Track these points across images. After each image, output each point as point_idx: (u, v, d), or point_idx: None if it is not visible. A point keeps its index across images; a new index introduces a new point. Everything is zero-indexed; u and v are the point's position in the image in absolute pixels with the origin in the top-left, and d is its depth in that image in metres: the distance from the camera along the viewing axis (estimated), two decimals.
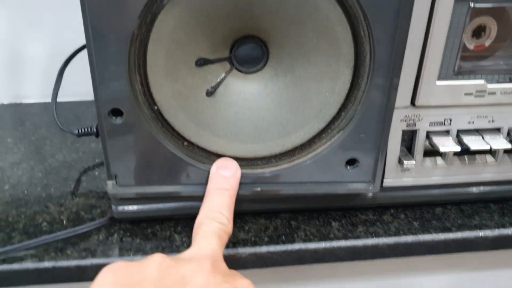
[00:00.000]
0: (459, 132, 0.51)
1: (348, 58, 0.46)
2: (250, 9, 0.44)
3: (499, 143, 0.50)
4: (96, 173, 0.62)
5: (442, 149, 0.49)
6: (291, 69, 0.47)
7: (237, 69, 0.48)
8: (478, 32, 0.48)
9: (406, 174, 0.52)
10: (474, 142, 0.50)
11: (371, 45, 0.44)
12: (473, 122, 0.51)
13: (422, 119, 0.50)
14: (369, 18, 0.43)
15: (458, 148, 0.50)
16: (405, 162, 0.51)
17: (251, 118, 0.49)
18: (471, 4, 0.45)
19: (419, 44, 0.45)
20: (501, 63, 0.50)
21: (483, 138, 0.51)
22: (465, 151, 0.51)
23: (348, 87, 0.47)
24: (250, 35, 0.47)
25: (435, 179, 0.53)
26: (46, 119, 0.74)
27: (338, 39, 0.45)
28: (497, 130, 0.52)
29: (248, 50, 0.47)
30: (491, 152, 0.53)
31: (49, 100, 0.64)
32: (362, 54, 0.45)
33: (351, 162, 0.50)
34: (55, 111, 0.64)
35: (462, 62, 0.48)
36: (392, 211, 0.55)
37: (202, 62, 0.46)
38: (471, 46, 0.49)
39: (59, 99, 0.64)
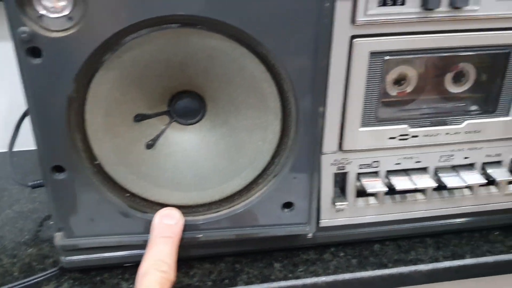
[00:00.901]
0: (388, 173, 0.54)
1: (276, 111, 0.49)
2: (182, 69, 0.47)
3: (424, 182, 0.54)
4: (51, 222, 0.64)
5: (369, 190, 0.52)
6: (226, 121, 0.51)
7: (176, 121, 0.51)
8: (399, 79, 0.52)
9: (341, 214, 0.55)
10: (400, 182, 0.53)
11: (295, 98, 0.48)
12: (400, 163, 0.54)
13: (351, 162, 0.53)
14: (290, 75, 0.46)
15: (385, 189, 0.53)
16: (337, 203, 0.54)
17: (191, 168, 0.52)
18: (385, 57, 0.48)
19: (340, 95, 0.49)
20: (424, 107, 0.53)
21: (410, 178, 0.54)
22: (396, 190, 0.54)
23: (278, 136, 0.51)
24: (187, 90, 0.50)
25: (369, 218, 0.56)
26: (4, 170, 0.76)
27: (265, 94, 0.48)
28: (424, 170, 0.55)
29: (186, 104, 0.51)
30: (421, 190, 0.56)
31: (7, 149, 0.66)
32: (288, 106, 0.49)
33: (287, 205, 0.53)
34: (11, 164, 0.66)
35: (386, 108, 0.52)
36: (332, 249, 0.58)
37: (140, 118, 0.49)
38: (393, 92, 0.52)
39: (19, 148, 0.66)
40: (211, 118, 0.51)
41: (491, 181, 0.56)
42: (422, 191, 0.56)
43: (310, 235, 0.56)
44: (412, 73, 0.52)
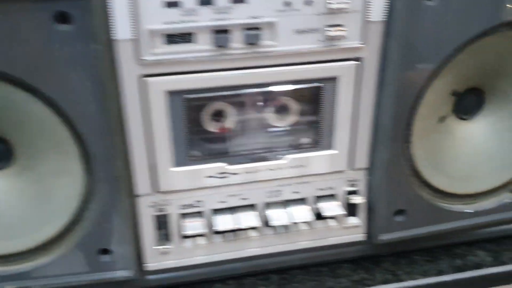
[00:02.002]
0: (214, 212, 0.52)
1: (75, 155, 0.47)
2: None
3: (249, 221, 0.51)
4: None
5: (187, 232, 0.50)
6: (33, 167, 0.48)
7: None
8: (218, 115, 0.50)
9: (168, 257, 0.53)
10: (222, 222, 0.51)
11: (90, 142, 0.45)
12: (225, 201, 0.52)
13: (171, 203, 0.51)
14: (76, 120, 0.44)
15: (205, 230, 0.51)
16: (159, 246, 0.51)
17: None
18: (185, 96, 0.46)
19: (142, 136, 0.47)
20: (245, 143, 0.51)
21: (235, 216, 0.52)
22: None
23: (86, 181, 0.48)
24: None
25: (201, 259, 0.54)
26: None
27: (60, 138, 0.46)
28: (252, 206, 0.53)
29: None
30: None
31: None
32: (88, 149, 0.46)
33: (104, 251, 0.50)
34: None
35: (203, 146, 0.50)
36: None
37: None
38: (212, 129, 0.50)
39: None
40: (19, 164, 0.49)
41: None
42: (254, 228, 0.54)
43: (137, 280, 0.53)
44: (230, 109, 0.50)
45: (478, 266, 0.58)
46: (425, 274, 0.57)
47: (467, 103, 0.56)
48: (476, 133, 0.57)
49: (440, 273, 0.57)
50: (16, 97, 0.43)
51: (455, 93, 0.54)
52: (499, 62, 0.52)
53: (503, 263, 0.59)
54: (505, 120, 0.57)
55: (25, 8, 0.39)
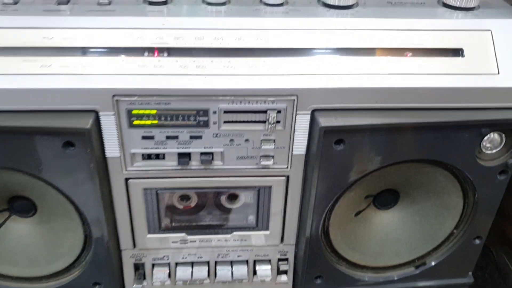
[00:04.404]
0: (177, 264, 0.71)
1: (78, 221, 0.66)
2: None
3: (200, 274, 0.71)
4: None
5: (154, 280, 0.70)
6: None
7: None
8: (185, 198, 0.68)
9: None
10: (181, 273, 0.70)
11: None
12: (186, 258, 0.71)
13: (146, 256, 0.70)
14: (81, 207, 0.63)
15: (166, 279, 0.70)
16: (135, 285, 0.71)
17: None
18: (158, 191, 0.65)
19: (126, 215, 0.66)
20: (204, 219, 0.70)
21: (192, 268, 0.71)
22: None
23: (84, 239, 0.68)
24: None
25: None
26: None
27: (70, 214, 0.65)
28: (207, 263, 0.72)
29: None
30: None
31: None
32: (86, 222, 0.66)
33: (96, 283, 0.71)
34: None
35: (169, 219, 0.68)
36: None
37: None
38: (181, 206, 0.69)
39: None
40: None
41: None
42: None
43: None
44: (193, 194, 0.68)
45: None
46: None
47: (385, 197, 0.72)
48: (389, 221, 0.74)
49: None
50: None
51: (368, 196, 0.70)
52: (404, 179, 0.68)
53: None
54: (413, 215, 0.73)
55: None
